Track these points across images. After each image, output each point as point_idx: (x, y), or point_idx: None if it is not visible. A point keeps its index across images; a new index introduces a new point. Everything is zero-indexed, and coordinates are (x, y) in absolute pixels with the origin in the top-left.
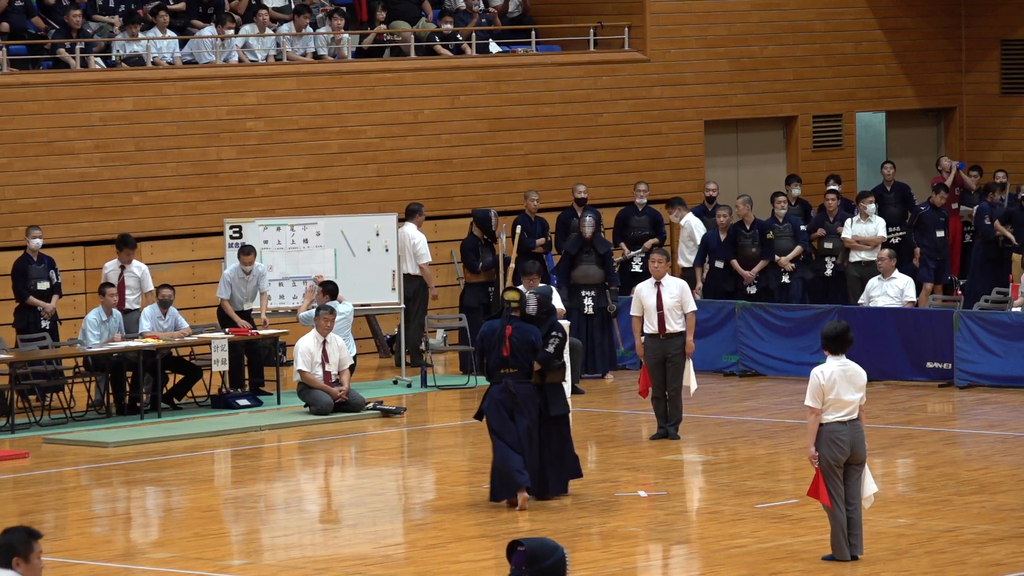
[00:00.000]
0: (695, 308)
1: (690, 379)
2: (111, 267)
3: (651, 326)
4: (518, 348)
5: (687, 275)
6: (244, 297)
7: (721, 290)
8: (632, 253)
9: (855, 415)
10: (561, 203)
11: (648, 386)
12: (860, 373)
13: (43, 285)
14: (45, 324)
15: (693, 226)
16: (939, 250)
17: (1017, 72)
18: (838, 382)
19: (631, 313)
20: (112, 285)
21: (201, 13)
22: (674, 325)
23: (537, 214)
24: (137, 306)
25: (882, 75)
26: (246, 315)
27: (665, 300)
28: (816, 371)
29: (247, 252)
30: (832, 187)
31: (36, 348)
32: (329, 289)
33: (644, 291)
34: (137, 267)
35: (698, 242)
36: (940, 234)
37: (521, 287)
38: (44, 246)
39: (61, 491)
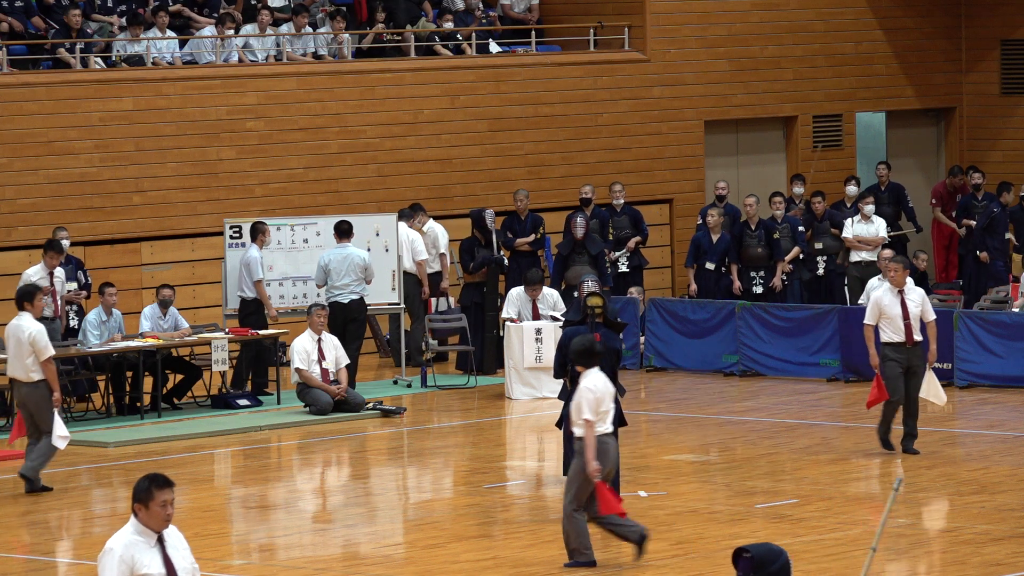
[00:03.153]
0: (935, 317)
1: (936, 390)
2: (38, 273)
3: (895, 335)
4: (606, 356)
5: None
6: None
7: (713, 291)
8: (617, 254)
9: (612, 427)
10: (561, 203)
11: (882, 398)
12: (611, 384)
13: (71, 286)
14: (74, 324)
15: (438, 233)
16: (1004, 251)
17: (1017, 72)
18: (604, 395)
19: (866, 322)
20: (112, 285)
21: (197, 12)
22: (919, 334)
23: (536, 213)
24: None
25: (882, 75)
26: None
27: (911, 308)
28: (587, 385)
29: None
30: (850, 188)
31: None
32: (343, 229)
33: (886, 300)
34: (59, 272)
35: (441, 249)
36: (1008, 236)
37: (600, 292)
38: (39, 247)
39: (61, 491)
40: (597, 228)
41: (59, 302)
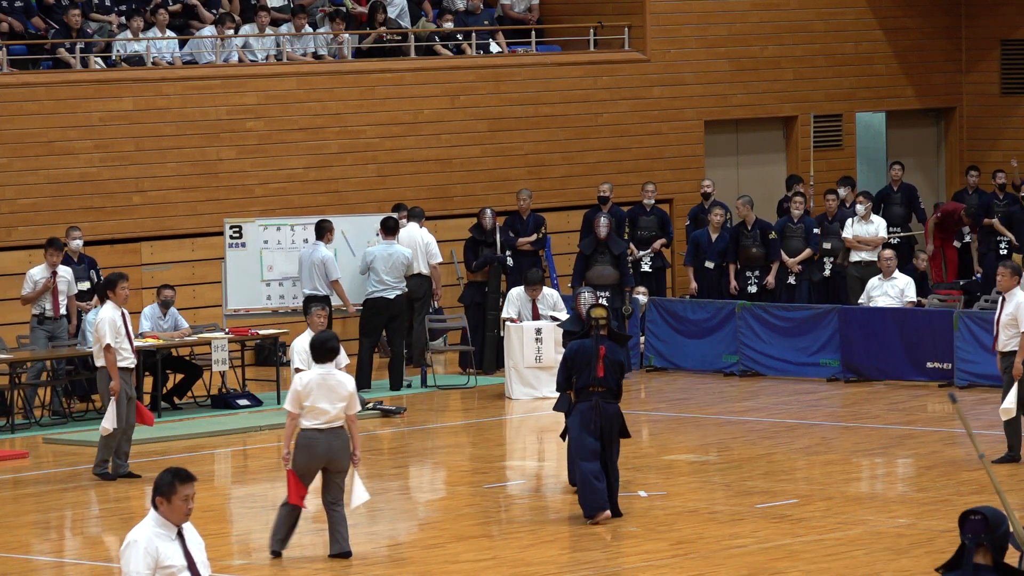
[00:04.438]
0: None
1: (1011, 401)
2: (41, 272)
3: None
4: (610, 368)
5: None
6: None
7: (713, 290)
8: (641, 253)
9: (335, 424)
10: (561, 203)
11: None
12: (343, 383)
13: (84, 286)
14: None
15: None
16: None
17: (1017, 72)
18: (315, 390)
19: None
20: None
21: (197, 13)
22: (1006, 343)
23: (537, 213)
24: (65, 312)
25: (882, 75)
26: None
27: (1002, 316)
28: (297, 378)
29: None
30: (841, 188)
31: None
32: (389, 226)
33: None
34: (64, 271)
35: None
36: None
37: (604, 303)
38: (39, 247)
39: (61, 491)
40: (614, 227)
41: (60, 300)
